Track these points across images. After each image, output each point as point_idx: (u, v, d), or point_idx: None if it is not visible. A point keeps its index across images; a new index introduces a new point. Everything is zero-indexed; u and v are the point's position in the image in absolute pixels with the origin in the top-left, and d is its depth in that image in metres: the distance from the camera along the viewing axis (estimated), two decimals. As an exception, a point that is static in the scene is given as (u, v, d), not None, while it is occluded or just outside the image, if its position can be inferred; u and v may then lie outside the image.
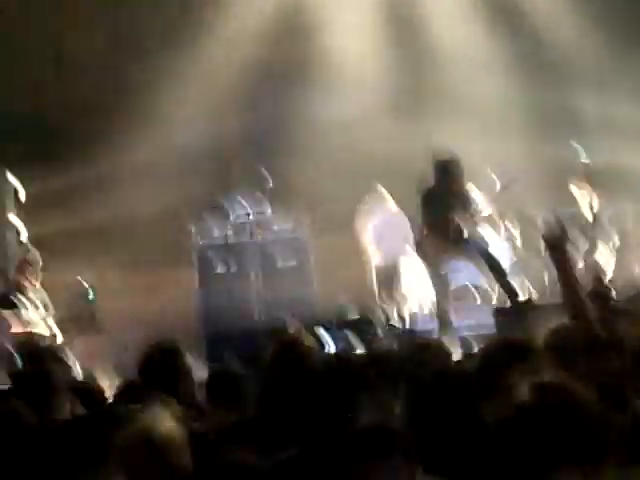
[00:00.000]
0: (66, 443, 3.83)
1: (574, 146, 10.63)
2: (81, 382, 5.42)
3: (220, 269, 10.83)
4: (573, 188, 11.39)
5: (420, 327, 10.39)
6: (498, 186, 9.68)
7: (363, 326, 9.14)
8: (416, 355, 4.36)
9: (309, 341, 4.52)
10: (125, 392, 5.01)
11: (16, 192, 10.24)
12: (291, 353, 4.38)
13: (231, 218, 11.07)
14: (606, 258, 11.46)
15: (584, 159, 10.49)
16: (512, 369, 3.61)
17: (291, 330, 4.62)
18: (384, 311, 11.45)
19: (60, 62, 13.04)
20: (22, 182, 10.89)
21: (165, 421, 3.62)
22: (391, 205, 11.30)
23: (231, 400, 4.94)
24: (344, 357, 3.95)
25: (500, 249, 11.16)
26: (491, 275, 10.16)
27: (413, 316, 11.07)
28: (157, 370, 4.89)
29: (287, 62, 12.88)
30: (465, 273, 11.26)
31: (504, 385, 2.99)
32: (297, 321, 5.11)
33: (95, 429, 3.85)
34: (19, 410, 4.06)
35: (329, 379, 3.62)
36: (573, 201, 11.59)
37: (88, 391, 5.13)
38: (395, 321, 10.55)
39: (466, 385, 3.58)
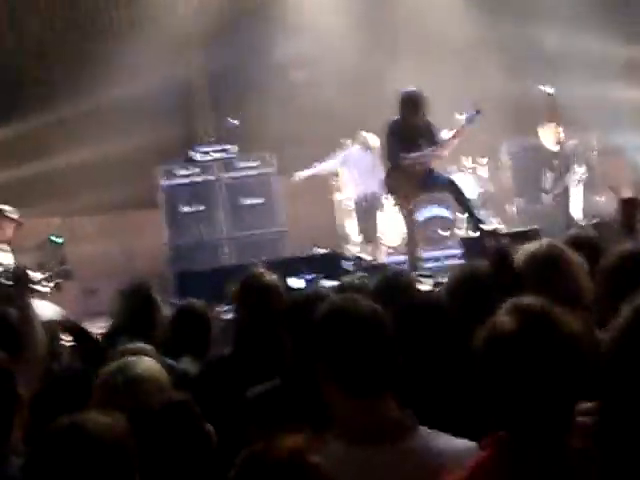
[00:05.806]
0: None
1: (540, 84, 10.59)
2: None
3: (186, 209, 10.81)
4: (540, 124, 11.44)
5: (390, 261, 10.42)
6: (464, 121, 9.56)
7: (332, 262, 9.13)
8: (385, 288, 4.38)
9: (273, 279, 4.52)
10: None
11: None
12: (256, 291, 4.39)
13: (197, 158, 11.01)
14: (573, 189, 11.57)
15: (549, 91, 10.45)
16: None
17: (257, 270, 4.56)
18: (353, 247, 11.54)
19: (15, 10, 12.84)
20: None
21: (146, 359, 3.62)
22: (373, 148, 11.33)
23: (195, 337, 4.98)
24: (311, 292, 3.92)
25: (465, 181, 11.37)
26: (457, 206, 10.17)
27: (384, 251, 11.29)
28: (133, 312, 4.92)
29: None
30: (431, 206, 11.50)
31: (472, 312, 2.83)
32: (264, 263, 5.07)
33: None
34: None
35: (296, 314, 3.60)
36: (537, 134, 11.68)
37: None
38: (365, 256, 10.62)
39: (435, 315, 3.59)
